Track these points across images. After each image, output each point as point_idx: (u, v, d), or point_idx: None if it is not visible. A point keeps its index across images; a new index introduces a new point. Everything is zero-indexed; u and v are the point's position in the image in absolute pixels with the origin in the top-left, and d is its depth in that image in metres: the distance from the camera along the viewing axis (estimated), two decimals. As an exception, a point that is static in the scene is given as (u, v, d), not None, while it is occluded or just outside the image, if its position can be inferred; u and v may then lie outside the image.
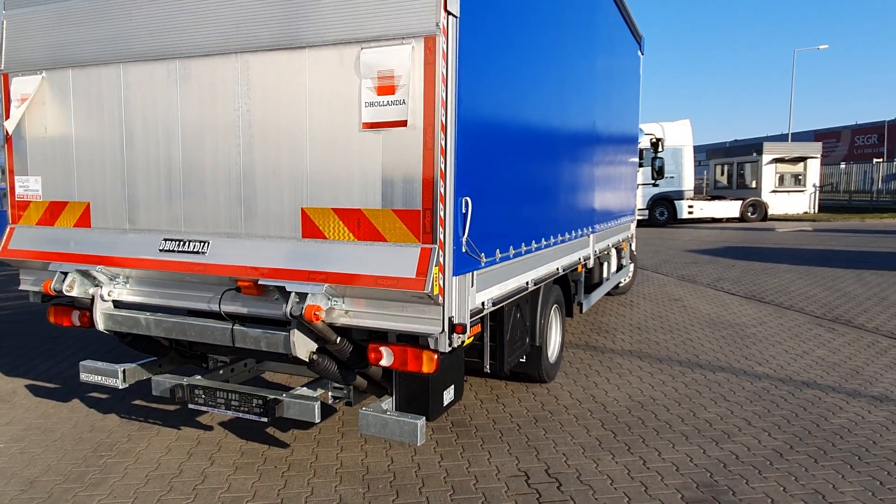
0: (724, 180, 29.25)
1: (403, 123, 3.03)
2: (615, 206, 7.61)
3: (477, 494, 3.58)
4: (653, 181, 12.10)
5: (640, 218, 11.80)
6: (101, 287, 3.83)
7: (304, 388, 3.91)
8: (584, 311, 6.53)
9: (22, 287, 4.22)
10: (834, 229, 21.84)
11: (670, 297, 9.53)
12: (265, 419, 3.69)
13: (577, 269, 5.98)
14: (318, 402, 3.65)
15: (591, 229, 6.27)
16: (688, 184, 24.00)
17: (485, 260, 3.53)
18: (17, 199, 4.14)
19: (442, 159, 3.00)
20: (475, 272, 3.44)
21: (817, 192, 27.07)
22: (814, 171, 26.54)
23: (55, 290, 3.79)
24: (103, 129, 3.80)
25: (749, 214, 25.47)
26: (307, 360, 3.40)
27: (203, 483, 3.71)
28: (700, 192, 31.20)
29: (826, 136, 46.92)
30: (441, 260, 3.06)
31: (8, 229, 4.18)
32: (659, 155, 11.69)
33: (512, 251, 4.00)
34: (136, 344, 4.24)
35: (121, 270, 3.80)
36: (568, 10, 5.12)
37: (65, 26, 3.82)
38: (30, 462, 3.99)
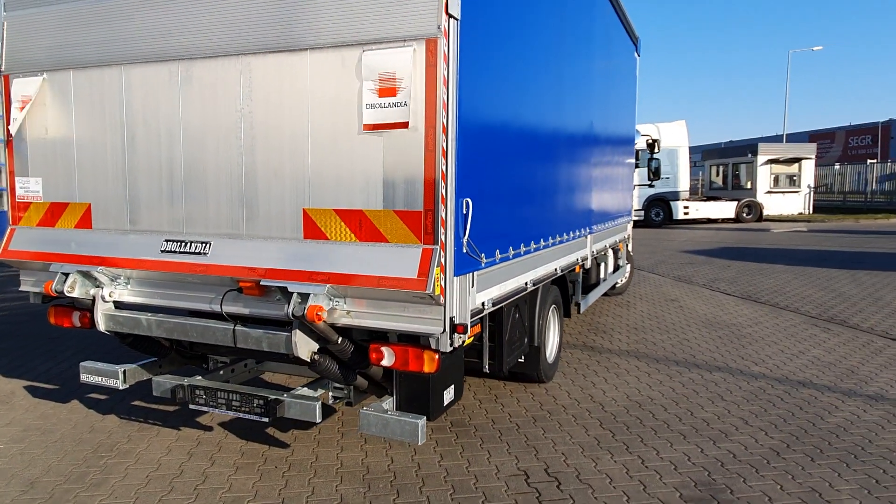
0: (719, 181, 29.37)
1: (405, 125, 3.05)
2: (612, 206, 7.65)
3: (477, 493, 3.60)
4: (649, 182, 12.16)
5: (637, 219, 11.83)
6: (103, 288, 3.84)
7: (305, 389, 3.93)
8: (581, 311, 6.56)
9: (22, 288, 4.22)
10: (828, 230, 21.95)
11: (667, 298, 9.57)
12: (266, 419, 3.71)
13: (574, 269, 6.01)
14: (319, 403, 3.67)
15: (588, 230, 6.30)
16: (683, 185, 24.08)
17: (485, 260, 3.56)
18: (17, 200, 4.14)
19: (443, 161, 3.03)
20: (475, 273, 3.46)
21: (812, 193, 27.21)
22: (808, 171, 26.67)
23: (56, 291, 3.80)
24: (105, 130, 3.81)
25: (744, 215, 25.58)
26: (309, 360, 3.42)
27: (204, 483, 3.72)
28: (695, 193, 31.30)
29: (820, 137, 47.15)
30: (442, 260, 3.08)
31: (8, 230, 4.18)
32: (655, 156, 11.75)
33: (511, 252, 4.03)
34: (136, 345, 4.25)
35: (122, 271, 3.81)
36: (566, 12, 5.16)
37: (66, 28, 3.83)
38: (30, 463, 3.99)
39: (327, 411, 3.77)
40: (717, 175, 29.51)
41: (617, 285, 9.27)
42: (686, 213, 24.30)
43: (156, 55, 3.60)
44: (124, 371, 4.16)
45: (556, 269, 5.17)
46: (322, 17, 3.18)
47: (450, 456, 4.07)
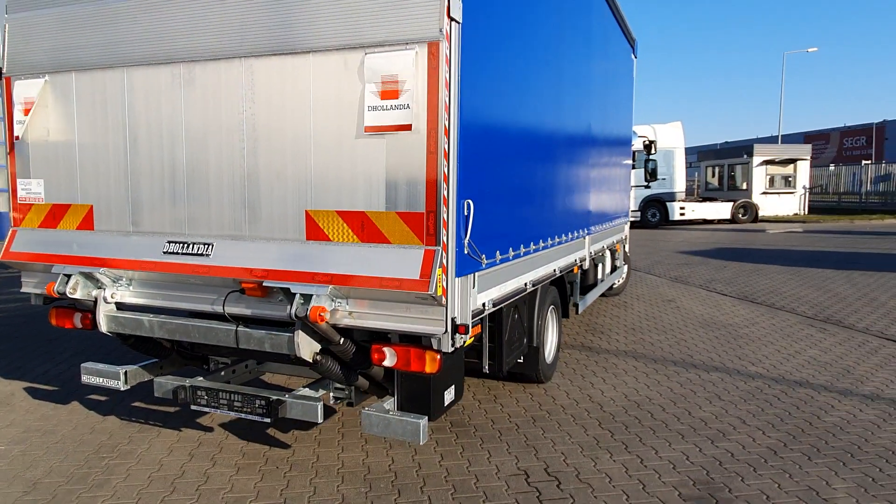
0: (715, 182, 29.48)
1: (407, 127, 3.07)
2: (610, 207, 7.69)
3: (478, 493, 3.62)
4: (645, 183, 12.22)
5: (633, 219, 11.89)
6: (105, 289, 3.85)
7: (307, 389, 3.95)
8: (579, 311, 6.60)
9: (24, 289, 4.23)
10: (823, 231, 22.05)
11: (663, 298, 9.62)
12: (268, 420, 3.72)
13: (573, 270, 6.05)
14: (321, 403, 3.69)
15: (586, 231, 6.34)
16: (679, 185, 24.17)
17: (486, 261, 3.58)
18: (18, 201, 4.15)
19: (445, 163, 3.05)
20: (476, 273, 3.49)
21: (807, 194, 27.33)
22: (803, 172, 26.79)
23: (58, 293, 3.81)
24: (107, 132, 3.83)
25: (740, 216, 25.68)
26: (311, 361, 3.44)
27: (206, 484, 3.74)
28: (691, 194, 31.41)
29: (815, 138, 47.36)
30: (444, 261, 3.11)
31: (10, 232, 4.19)
32: (651, 157, 11.81)
33: (511, 253, 4.06)
34: (137, 346, 4.26)
35: (124, 273, 3.82)
36: (565, 14, 5.19)
37: (68, 30, 3.84)
38: (32, 464, 4.00)
39: (328, 412, 3.79)
40: (713, 176, 29.61)
41: (614, 286, 9.31)
42: (682, 214, 24.38)
43: (158, 57, 3.61)
44: (125, 372, 4.17)
45: (554, 270, 5.20)
46: (324, 20, 3.21)
47: (450, 456, 4.10)
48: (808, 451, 4.15)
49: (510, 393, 5.27)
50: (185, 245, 3.64)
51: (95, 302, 3.87)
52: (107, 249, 3.86)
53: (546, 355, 5.45)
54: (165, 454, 4.13)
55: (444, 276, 3.10)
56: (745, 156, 26.68)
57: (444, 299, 3.12)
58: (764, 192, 26.29)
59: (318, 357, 3.46)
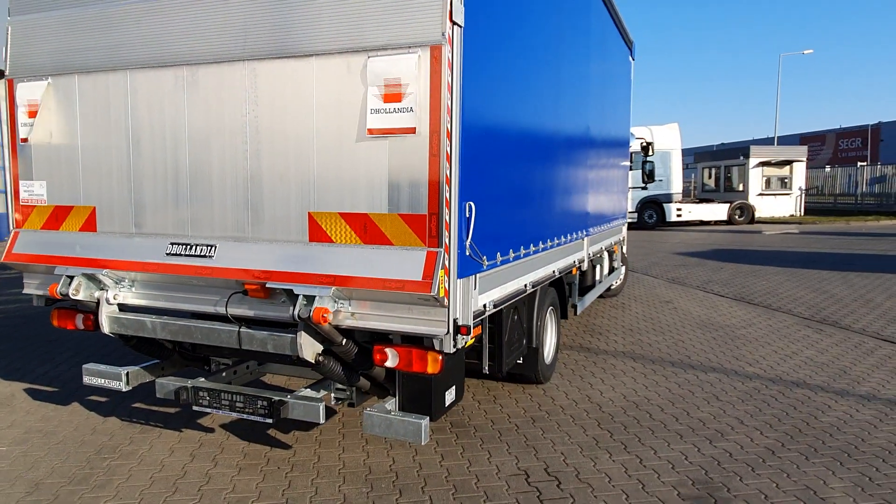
0: (711, 183, 29.56)
1: (410, 130, 3.10)
2: (608, 209, 7.72)
3: (479, 493, 3.65)
4: (642, 184, 12.26)
5: (630, 221, 11.93)
6: (107, 291, 3.87)
7: (308, 390, 3.97)
8: (578, 312, 6.63)
9: (26, 291, 4.24)
10: (820, 232, 22.15)
11: (661, 299, 9.66)
12: (270, 420, 3.74)
13: (571, 271, 6.08)
14: (323, 403, 3.71)
15: (585, 232, 6.37)
16: (676, 187, 24.25)
17: (487, 263, 3.61)
18: (21, 203, 4.16)
19: (447, 165, 3.08)
20: (478, 275, 3.52)
21: (803, 195, 27.43)
22: (799, 174, 26.88)
23: (61, 294, 3.83)
24: (109, 134, 3.84)
25: (736, 217, 25.76)
26: (313, 361, 3.46)
27: (208, 484, 3.75)
28: (688, 195, 31.49)
29: (811, 140, 47.56)
30: (446, 263, 3.13)
31: (12, 233, 4.20)
32: (648, 158, 11.84)
33: (512, 254, 4.09)
34: (139, 347, 4.27)
35: (126, 274, 3.84)
36: (564, 18, 5.23)
37: (71, 32, 3.86)
38: (33, 465, 4.01)
39: (329, 412, 3.81)
40: (710, 177, 29.70)
41: (612, 287, 9.35)
42: (679, 216, 24.46)
43: (161, 60, 3.63)
44: (127, 373, 4.18)
45: (554, 272, 5.23)
46: (327, 23, 3.23)
47: (450, 456, 4.12)
48: (805, 450, 4.19)
49: (509, 394, 5.30)
50: (188, 247, 3.66)
51: (98, 303, 3.88)
52: (109, 251, 3.88)
53: (545, 356, 5.48)
54: (167, 455, 4.14)
55: (446, 278, 3.13)
56: (742, 157, 26.77)
57: (446, 300, 3.15)
58: (760, 194, 26.38)
59: (321, 358, 3.49)
